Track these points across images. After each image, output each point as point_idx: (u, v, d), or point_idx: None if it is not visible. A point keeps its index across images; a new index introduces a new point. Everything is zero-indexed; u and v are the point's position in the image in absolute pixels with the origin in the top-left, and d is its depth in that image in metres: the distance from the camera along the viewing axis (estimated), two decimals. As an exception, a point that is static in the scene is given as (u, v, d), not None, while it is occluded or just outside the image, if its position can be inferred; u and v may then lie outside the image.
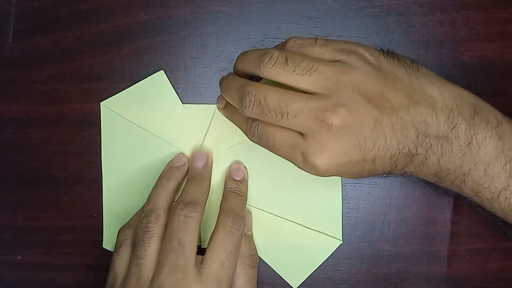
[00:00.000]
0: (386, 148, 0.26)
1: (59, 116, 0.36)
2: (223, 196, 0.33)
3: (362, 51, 0.28)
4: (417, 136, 0.27)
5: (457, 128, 0.27)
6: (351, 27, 0.35)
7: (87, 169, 0.36)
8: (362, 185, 0.35)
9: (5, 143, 0.36)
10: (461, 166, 0.27)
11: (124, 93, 0.35)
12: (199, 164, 0.34)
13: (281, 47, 0.29)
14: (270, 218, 0.35)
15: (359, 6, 0.34)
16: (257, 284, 0.36)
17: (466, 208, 0.34)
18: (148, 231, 0.30)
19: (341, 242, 0.35)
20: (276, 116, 0.27)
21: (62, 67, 0.35)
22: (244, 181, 0.34)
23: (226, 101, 0.32)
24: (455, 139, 0.27)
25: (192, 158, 0.34)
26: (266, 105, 0.27)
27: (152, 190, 0.33)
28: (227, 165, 0.35)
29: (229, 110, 0.33)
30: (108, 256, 0.33)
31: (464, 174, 0.28)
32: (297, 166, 0.28)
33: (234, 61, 0.35)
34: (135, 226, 0.32)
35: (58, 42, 0.35)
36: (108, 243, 0.36)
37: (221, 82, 0.32)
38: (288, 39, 0.29)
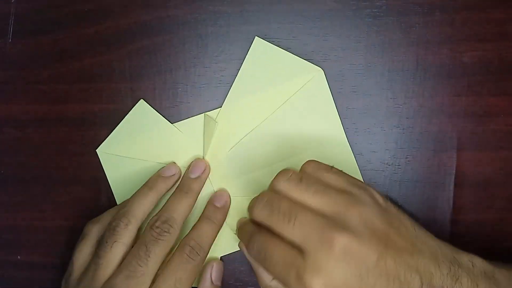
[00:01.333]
0: None
1: (59, 116, 0.36)
2: (198, 219, 0.33)
3: (372, 190, 0.28)
4: (422, 285, 0.26)
5: (461, 281, 0.26)
6: (351, 27, 0.35)
7: (87, 169, 0.36)
8: (361, 185, 0.35)
9: (5, 143, 0.36)
10: None
11: (114, 133, 0.35)
12: (192, 175, 0.34)
13: (301, 170, 0.30)
14: None
15: (359, 6, 0.34)
16: (257, 284, 0.36)
17: (466, 208, 0.34)
18: (114, 234, 0.30)
19: None
20: (283, 219, 0.27)
21: (62, 67, 0.36)
22: (223, 209, 0.34)
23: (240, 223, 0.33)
24: None
25: (189, 167, 0.34)
26: (278, 207, 0.27)
27: (132, 195, 0.33)
28: (231, 169, 0.35)
29: (241, 222, 0.33)
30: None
31: None
32: (287, 286, 0.26)
33: (235, 61, 0.35)
34: (102, 224, 0.32)
35: (58, 42, 0.35)
36: None
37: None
38: (305, 163, 0.30)
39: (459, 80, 0.34)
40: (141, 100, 0.35)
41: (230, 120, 0.35)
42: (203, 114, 0.35)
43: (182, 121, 0.35)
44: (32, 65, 0.36)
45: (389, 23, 0.34)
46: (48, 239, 0.36)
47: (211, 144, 0.35)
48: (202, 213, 0.34)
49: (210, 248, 0.32)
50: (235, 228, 0.35)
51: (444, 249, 0.28)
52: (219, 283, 0.34)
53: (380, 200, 0.28)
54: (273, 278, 0.28)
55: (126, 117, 0.35)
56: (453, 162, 0.34)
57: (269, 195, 0.28)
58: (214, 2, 0.35)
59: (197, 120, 0.35)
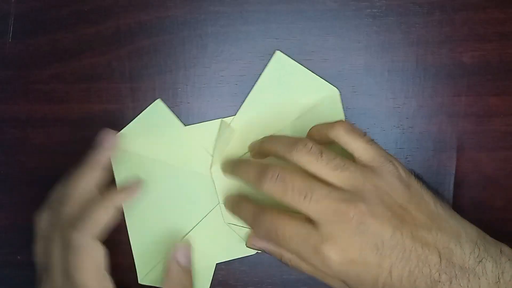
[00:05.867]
0: (404, 260, 0.25)
1: (59, 116, 0.36)
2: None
3: (397, 164, 0.28)
4: (440, 261, 0.25)
5: (484, 264, 0.25)
6: (351, 27, 0.35)
7: (87, 169, 0.36)
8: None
9: (5, 143, 0.36)
10: None
11: (126, 129, 0.35)
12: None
13: (329, 127, 0.29)
14: None
15: (358, 6, 0.34)
16: (257, 284, 0.36)
17: (465, 208, 0.34)
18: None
19: None
20: (298, 196, 0.26)
21: (62, 67, 0.36)
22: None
23: (228, 197, 0.33)
24: (482, 275, 0.25)
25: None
26: (291, 183, 0.26)
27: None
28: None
29: (234, 200, 0.32)
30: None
31: None
32: (305, 261, 0.27)
33: (235, 61, 0.35)
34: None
35: (58, 42, 0.35)
36: (143, 278, 0.35)
37: (233, 164, 0.32)
38: (337, 122, 0.29)
39: (459, 80, 0.34)
40: (158, 99, 0.35)
41: (243, 128, 0.35)
42: (220, 119, 0.35)
43: (197, 124, 0.35)
44: (32, 65, 0.36)
45: (389, 23, 0.35)
46: (48, 239, 0.36)
47: (222, 150, 0.34)
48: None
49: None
50: (243, 236, 0.35)
51: (470, 231, 0.27)
52: (188, 264, 0.33)
53: (404, 175, 0.27)
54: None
55: (141, 114, 0.35)
56: (453, 162, 0.34)
57: (278, 167, 0.27)
58: (214, 2, 0.35)
59: (212, 125, 0.35)
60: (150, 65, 0.35)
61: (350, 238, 0.25)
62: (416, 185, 0.28)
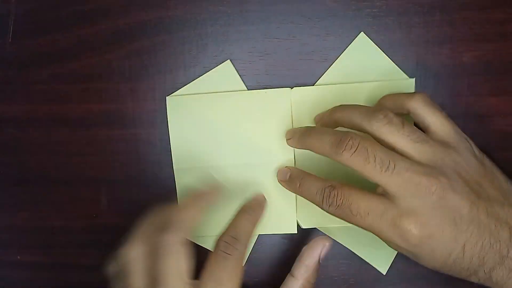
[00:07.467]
0: (478, 235, 0.25)
1: (59, 116, 0.36)
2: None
3: (471, 142, 0.29)
4: (510, 236, 0.25)
5: None
6: (351, 27, 0.35)
7: (87, 169, 0.36)
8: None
9: (5, 143, 0.36)
10: None
11: (190, 85, 0.35)
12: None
13: (408, 96, 0.29)
14: None
15: (359, 6, 0.34)
16: (257, 284, 0.36)
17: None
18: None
19: None
20: (380, 168, 0.26)
21: (62, 67, 0.36)
22: (261, 204, 0.32)
23: (291, 172, 0.31)
24: None
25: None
26: (373, 153, 0.26)
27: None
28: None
29: (296, 181, 0.30)
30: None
31: None
32: (381, 237, 0.26)
33: (235, 61, 0.35)
34: None
35: (58, 42, 0.35)
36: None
37: (303, 132, 0.30)
38: (417, 93, 0.30)
39: (459, 80, 0.34)
40: (228, 60, 0.35)
41: (317, 99, 0.34)
42: (288, 88, 0.34)
43: (262, 90, 0.35)
44: (32, 65, 0.36)
45: (389, 23, 0.34)
46: (48, 239, 0.36)
47: (298, 119, 0.34)
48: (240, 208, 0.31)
49: (249, 240, 0.29)
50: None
51: None
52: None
53: (477, 152, 0.28)
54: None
55: (208, 73, 0.35)
56: (453, 162, 0.34)
57: (358, 136, 0.27)
58: (214, 2, 0.35)
59: (279, 93, 0.34)
60: (150, 65, 0.35)
61: (430, 212, 0.25)
62: (488, 162, 0.28)
